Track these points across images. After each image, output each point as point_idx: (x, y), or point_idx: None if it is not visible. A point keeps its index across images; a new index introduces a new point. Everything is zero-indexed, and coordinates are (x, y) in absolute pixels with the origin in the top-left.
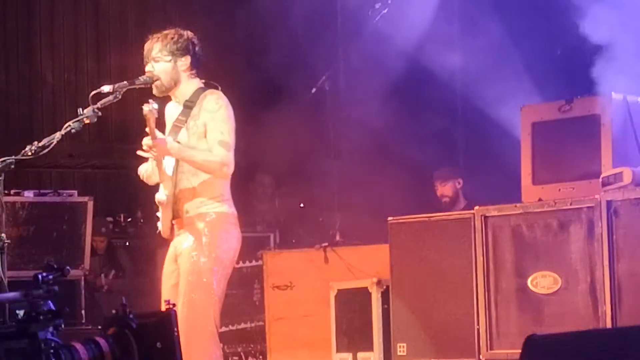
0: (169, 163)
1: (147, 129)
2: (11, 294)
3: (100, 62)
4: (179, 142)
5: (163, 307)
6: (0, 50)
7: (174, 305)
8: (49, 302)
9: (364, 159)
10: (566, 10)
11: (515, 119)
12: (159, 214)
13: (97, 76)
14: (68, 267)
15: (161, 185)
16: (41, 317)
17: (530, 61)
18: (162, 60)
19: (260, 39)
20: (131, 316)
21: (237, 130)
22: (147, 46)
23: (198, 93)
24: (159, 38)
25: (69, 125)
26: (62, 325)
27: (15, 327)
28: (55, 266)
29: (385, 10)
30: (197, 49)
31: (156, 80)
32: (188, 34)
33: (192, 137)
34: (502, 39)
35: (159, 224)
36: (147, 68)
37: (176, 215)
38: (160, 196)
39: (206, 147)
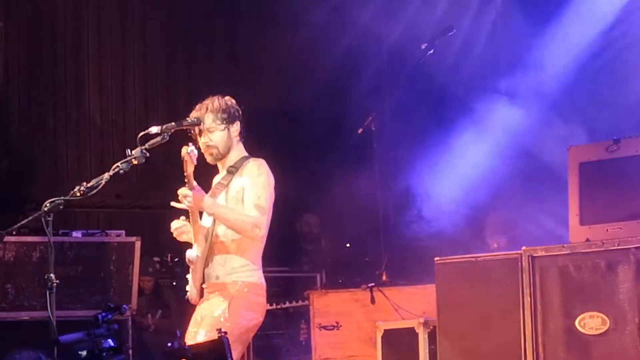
0: (205, 224)
1: (184, 174)
2: (75, 335)
3: (148, 104)
4: None
5: None
6: (49, 92)
7: (225, 333)
8: (110, 339)
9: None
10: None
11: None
12: (188, 276)
13: (144, 117)
14: (125, 306)
15: (194, 244)
16: (104, 354)
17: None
18: (217, 129)
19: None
20: (186, 347)
21: (279, 179)
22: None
23: (242, 160)
24: (208, 108)
25: (117, 166)
26: None
27: None
28: (112, 306)
29: (432, 51)
30: (240, 112)
31: (201, 124)
32: (232, 100)
33: (231, 202)
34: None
35: (188, 288)
36: (203, 140)
37: (207, 279)
38: (191, 254)
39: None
